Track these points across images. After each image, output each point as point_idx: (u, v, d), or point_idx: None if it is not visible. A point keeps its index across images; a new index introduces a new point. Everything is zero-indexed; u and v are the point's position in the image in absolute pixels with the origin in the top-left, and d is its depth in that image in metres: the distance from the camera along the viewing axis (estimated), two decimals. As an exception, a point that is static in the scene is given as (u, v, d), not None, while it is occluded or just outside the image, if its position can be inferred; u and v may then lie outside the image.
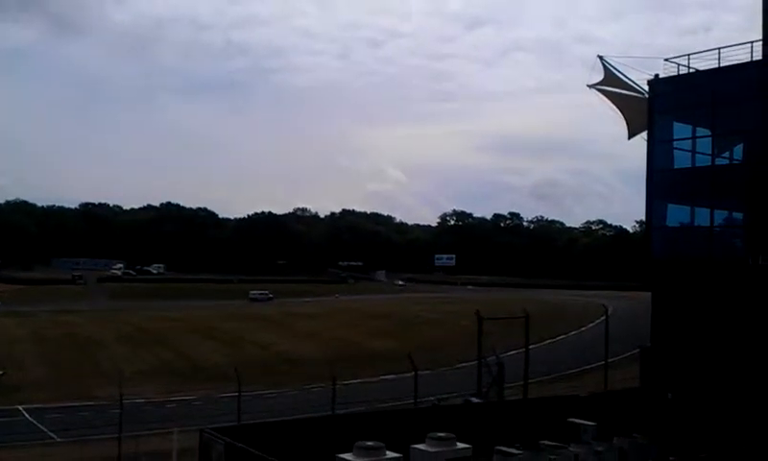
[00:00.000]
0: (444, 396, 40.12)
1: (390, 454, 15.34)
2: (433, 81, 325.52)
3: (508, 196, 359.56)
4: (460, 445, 16.25)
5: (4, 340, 70.68)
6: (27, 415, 44.19)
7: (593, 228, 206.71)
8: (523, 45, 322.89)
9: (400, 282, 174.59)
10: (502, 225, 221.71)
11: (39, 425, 41.56)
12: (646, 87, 31.58)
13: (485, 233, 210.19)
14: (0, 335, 73.84)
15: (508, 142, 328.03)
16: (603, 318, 51.87)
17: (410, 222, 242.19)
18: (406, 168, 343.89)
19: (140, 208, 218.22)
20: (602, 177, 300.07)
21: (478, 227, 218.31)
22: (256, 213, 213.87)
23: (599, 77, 32.52)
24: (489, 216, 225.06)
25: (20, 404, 45.69)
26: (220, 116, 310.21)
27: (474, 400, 34.64)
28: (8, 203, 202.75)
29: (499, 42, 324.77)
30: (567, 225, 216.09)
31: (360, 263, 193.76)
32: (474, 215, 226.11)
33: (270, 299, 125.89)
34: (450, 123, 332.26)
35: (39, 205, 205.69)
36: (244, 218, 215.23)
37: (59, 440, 38.09)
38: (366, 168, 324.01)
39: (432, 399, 37.32)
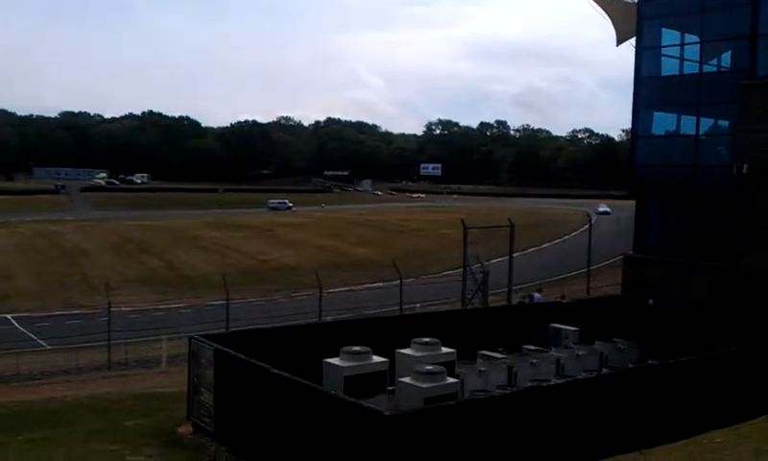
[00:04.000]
0: (429, 303, 40.78)
1: (376, 358, 15.62)
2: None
3: (491, 104, 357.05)
4: (444, 349, 16.55)
5: (-11, 250, 70.69)
6: (16, 323, 44.62)
7: (579, 137, 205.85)
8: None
9: (379, 192, 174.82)
10: (488, 134, 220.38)
11: (29, 334, 42.01)
12: (636, -7, 31.10)
13: (471, 142, 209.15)
14: (-17, 246, 73.82)
15: (489, 49, 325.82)
16: (587, 226, 52.56)
17: (395, 131, 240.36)
18: (387, 76, 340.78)
19: (122, 117, 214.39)
20: (585, 84, 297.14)
21: (464, 135, 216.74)
22: (239, 122, 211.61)
23: (589, -19, 31.97)
24: (474, 125, 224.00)
25: (9, 313, 46.10)
26: (199, 23, 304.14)
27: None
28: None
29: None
30: (554, 134, 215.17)
31: (346, 173, 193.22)
32: (460, 124, 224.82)
33: (289, 208, 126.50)
34: (429, 29, 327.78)
35: (19, 114, 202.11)
36: (227, 127, 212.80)
37: (48, 347, 38.57)
38: (347, 76, 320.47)
39: (418, 306, 37.90)
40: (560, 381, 16.95)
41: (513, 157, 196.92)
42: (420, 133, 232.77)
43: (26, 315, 46.88)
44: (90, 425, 18.89)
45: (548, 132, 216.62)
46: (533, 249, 67.91)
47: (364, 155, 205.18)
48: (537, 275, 52.08)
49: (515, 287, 36.03)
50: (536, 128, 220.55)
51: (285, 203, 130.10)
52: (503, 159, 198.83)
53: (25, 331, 42.65)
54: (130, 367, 30.96)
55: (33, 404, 23.46)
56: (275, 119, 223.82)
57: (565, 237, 78.43)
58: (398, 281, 35.32)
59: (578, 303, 28.26)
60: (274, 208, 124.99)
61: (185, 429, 16.74)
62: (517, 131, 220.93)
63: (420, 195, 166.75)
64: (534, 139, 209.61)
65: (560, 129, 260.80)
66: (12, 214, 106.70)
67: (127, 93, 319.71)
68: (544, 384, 16.04)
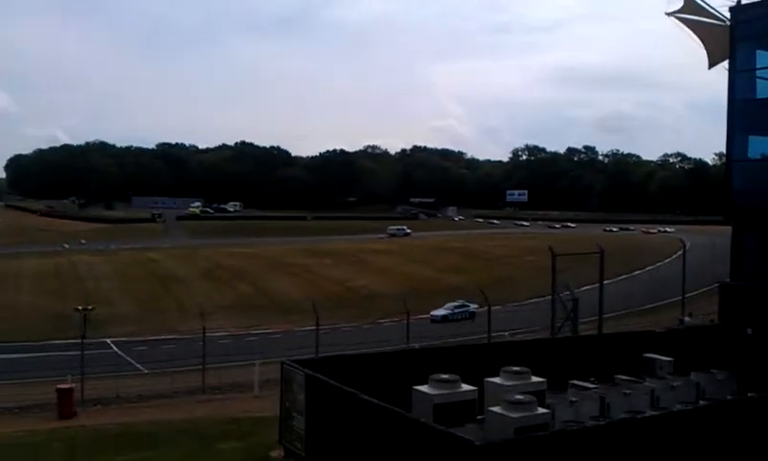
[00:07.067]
0: (517, 330, 40.37)
1: (465, 387, 15.59)
2: (486, 11, 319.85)
3: (576, 129, 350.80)
4: (534, 378, 16.37)
5: (91, 277, 73.99)
6: (115, 348, 46.52)
7: (671, 161, 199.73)
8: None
9: (461, 218, 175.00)
10: (576, 159, 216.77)
11: (127, 358, 43.72)
12: (728, 15, 30.26)
13: (558, 168, 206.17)
14: (87, 272, 77.32)
15: (572, 74, 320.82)
16: (680, 253, 50.99)
17: (480, 157, 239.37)
18: (471, 103, 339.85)
19: (215, 148, 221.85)
20: (673, 108, 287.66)
21: (551, 161, 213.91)
22: (328, 151, 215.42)
23: (678, 4, 31.30)
24: (561, 150, 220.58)
25: (108, 338, 48.07)
26: (288, 54, 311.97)
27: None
28: (88, 144, 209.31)
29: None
30: (644, 158, 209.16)
31: (431, 200, 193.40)
32: (547, 150, 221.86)
33: (407, 234, 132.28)
34: (511, 56, 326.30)
35: (118, 145, 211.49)
36: (316, 156, 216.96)
37: (145, 371, 40.02)
38: (432, 104, 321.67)
39: (506, 334, 37.53)
40: (655, 413, 16.50)
41: (602, 182, 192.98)
42: (505, 159, 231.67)
43: (124, 339, 48.84)
44: (186, 448, 19.55)
45: (638, 156, 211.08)
46: (623, 276, 66.39)
47: (449, 181, 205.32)
48: (628, 303, 50.90)
49: (605, 316, 35.30)
50: (625, 153, 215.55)
51: (403, 229, 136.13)
52: (592, 185, 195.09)
53: (123, 355, 44.38)
54: (223, 391, 31.72)
55: (131, 426, 24.43)
56: (361, 148, 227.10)
57: (658, 264, 76.32)
58: (485, 309, 35.09)
59: (672, 332, 27.41)
60: (392, 235, 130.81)
61: (277, 453, 17.06)
62: (606, 156, 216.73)
63: (494, 221, 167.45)
64: (623, 164, 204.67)
65: (649, 153, 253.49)
66: (111, 242, 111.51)
67: (220, 124, 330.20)
68: (639, 416, 15.65)
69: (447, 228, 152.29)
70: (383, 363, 18.99)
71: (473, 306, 53.20)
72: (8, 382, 33.66)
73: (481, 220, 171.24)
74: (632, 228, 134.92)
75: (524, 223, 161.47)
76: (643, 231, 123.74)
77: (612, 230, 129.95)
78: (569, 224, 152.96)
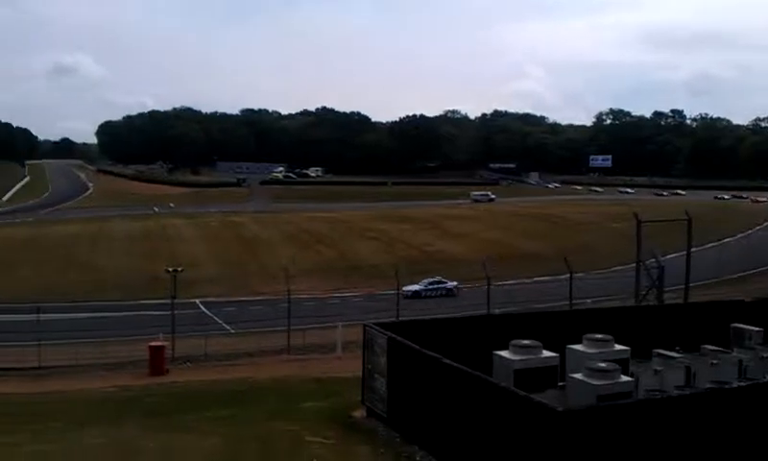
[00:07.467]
0: (599, 298, 39.80)
1: (546, 353, 15.59)
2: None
3: (664, 93, 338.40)
4: (618, 346, 16.22)
5: (179, 239, 76.43)
6: (203, 308, 48.07)
7: (763, 125, 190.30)
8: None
9: (556, 185, 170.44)
10: (662, 123, 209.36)
11: (215, 318, 45.15)
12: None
13: (644, 133, 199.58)
14: (175, 235, 79.88)
15: (659, 35, 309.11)
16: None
17: (563, 122, 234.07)
18: (553, 66, 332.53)
19: (297, 114, 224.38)
20: (764, 70, 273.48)
21: (636, 126, 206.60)
22: (408, 116, 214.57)
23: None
24: (647, 114, 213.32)
25: (196, 298, 49.67)
26: (368, 20, 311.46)
27: None
28: (175, 110, 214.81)
29: None
30: (735, 122, 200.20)
31: (512, 165, 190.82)
32: (633, 114, 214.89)
33: (491, 199, 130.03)
34: (595, 16, 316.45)
35: (204, 111, 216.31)
36: (395, 121, 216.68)
37: (232, 331, 41.30)
38: (512, 68, 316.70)
39: (589, 301, 37.03)
40: (743, 384, 16.12)
41: (690, 147, 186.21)
42: (589, 123, 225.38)
43: (212, 300, 50.38)
44: (272, 406, 20.18)
45: (728, 120, 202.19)
46: (712, 244, 64.38)
47: (531, 147, 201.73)
48: (716, 271, 49.45)
49: (692, 284, 34.44)
50: (714, 117, 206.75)
51: (487, 195, 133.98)
52: (679, 150, 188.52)
53: (211, 315, 45.83)
54: (307, 351, 32.49)
55: (219, 384, 25.38)
56: (441, 113, 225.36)
57: (749, 232, 73.63)
58: (567, 276, 34.68)
59: (762, 301, 26.52)
60: (476, 200, 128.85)
61: (360, 414, 17.40)
62: (694, 120, 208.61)
63: (597, 189, 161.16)
64: (712, 129, 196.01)
65: (740, 117, 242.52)
66: (198, 206, 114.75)
67: (302, 91, 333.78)
68: (726, 387, 15.32)
69: (536, 194, 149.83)
70: (463, 328, 19.12)
71: (452, 284, 52.20)
72: (103, 340, 35.26)
73: (579, 187, 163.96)
74: (744, 195, 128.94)
75: (628, 190, 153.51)
76: (752, 200, 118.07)
77: (723, 198, 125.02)
78: (679, 191, 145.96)
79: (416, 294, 50.02)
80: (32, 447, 15.37)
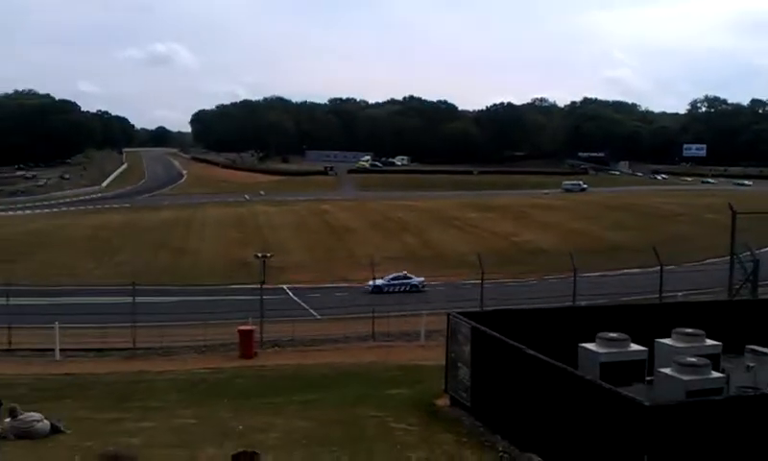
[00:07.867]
0: (691, 291, 38.67)
1: (635, 347, 15.33)
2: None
3: (760, 80, 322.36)
4: (709, 341, 15.80)
5: (268, 226, 78.20)
6: (291, 294, 49.09)
7: None
8: None
9: (663, 176, 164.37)
10: (761, 111, 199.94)
11: (302, 303, 46.05)
12: None
13: (741, 121, 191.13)
14: (265, 222, 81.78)
15: (751, 19, 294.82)
16: None
17: (655, 109, 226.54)
18: (645, 53, 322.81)
19: (384, 102, 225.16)
20: None
21: (733, 114, 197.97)
22: (495, 104, 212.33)
23: None
24: (745, 102, 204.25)
25: (284, 284, 50.74)
26: (451, 10, 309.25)
27: None
28: (266, 99, 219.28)
29: None
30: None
31: (601, 154, 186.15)
32: (729, 101, 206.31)
33: (583, 189, 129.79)
34: (688, 2, 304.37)
35: (294, 101, 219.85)
36: (483, 110, 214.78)
37: (318, 317, 42.05)
38: (603, 55, 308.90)
39: (679, 294, 36.02)
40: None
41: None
42: (682, 111, 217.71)
43: (299, 286, 51.35)
44: (357, 391, 20.51)
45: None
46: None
47: (621, 135, 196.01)
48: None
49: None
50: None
51: (579, 184, 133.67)
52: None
53: (298, 301, 46.75)
54: (392, 339, 32.75)
55: (306, 368, 25.93)
56: (529, 101, 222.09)
57: None
58: (657, 268, 33.77)
59: None
60: (568, 190, 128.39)
61: (443, 402, 17.49)
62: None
63: (664, 176, 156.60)
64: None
65: None
66: (288, 194, 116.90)
67: (389, 80, 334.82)
68: (823, 386, 14.73)
69: (630, 183, 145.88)
70: (548, 319, 18.95)
71: (418, 279, 51.11)
72: (195, 323, 36.44)
73: (689, 179, 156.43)
74: None
75: (746, 182, 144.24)
76: None
77: None
78: (745, 182, 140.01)
79: (377, 288, 49.15)
80: (135, 424, 16.07)
